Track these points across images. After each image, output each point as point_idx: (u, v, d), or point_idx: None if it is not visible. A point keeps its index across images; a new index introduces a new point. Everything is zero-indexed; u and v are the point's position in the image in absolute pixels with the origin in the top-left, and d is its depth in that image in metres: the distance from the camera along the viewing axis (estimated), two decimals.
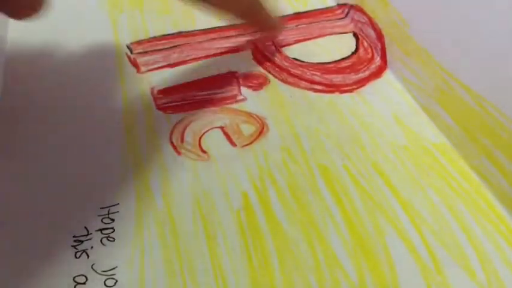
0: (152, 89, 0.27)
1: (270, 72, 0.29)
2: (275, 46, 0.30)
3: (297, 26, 0.32)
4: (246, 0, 0.27)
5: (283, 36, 0.31)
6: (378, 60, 0.29)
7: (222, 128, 0.25)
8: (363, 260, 0.20)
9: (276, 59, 0.30)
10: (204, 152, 0.24)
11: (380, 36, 0.30)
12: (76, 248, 0.20)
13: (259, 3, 0.27)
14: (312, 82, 0.28)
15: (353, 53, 0.30)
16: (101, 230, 0.21)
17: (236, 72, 0.29)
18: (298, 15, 0.33)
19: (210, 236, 0.21)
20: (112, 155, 0.24)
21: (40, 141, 0.24)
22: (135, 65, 0.29)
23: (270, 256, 0.20)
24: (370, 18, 0.31)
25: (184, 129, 0.25)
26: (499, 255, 0.20)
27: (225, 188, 0.22)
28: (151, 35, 0.31)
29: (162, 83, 0.28)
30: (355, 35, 0.31)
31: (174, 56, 0.30)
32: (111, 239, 0.20)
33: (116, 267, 0.20)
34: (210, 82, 0.28)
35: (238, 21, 0.27)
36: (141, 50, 0.30)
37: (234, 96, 0.27)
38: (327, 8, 0.34)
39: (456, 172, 0.23)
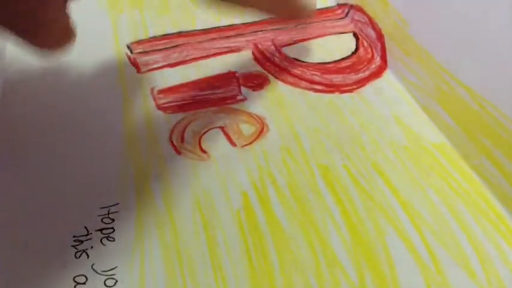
0: (152, 89, 0.27)
1: (270, 72, 0.29)
2: (275, 46, 0.30)
3: (296, 26, 0.32)
4: None
5: (283, 36, 0.31)
6: (377, 60, 0.29)
7: (222, 128, 0.25)
8: (363, 260, 0.20)
9: (276, 59, 0.30)
10: (204, 152, 0.24)
11: (380, 36, 0.30)
12: (76, 248, 0.20)
13: None
14: (312, 82, 0.28)
15: (353, 53, 0.30)
16: (101, 230, 0.21)
17: (236, 72, 0.29)
18: None
19: (210, 236, 0.21)
20: (112, 155, 0.24)
21: (40, 141, 0.24)
22: (135, 65, 0.29)
23: (270, 256, 0.20)
24: (370, 18, 0.31)
25: (184, 129, 0.25)
26: (499, 255, 0.20)
27: (225, 188, 0.22)
28: (151, 35, 0.31)
29: (162, 83, 0.28)
30: (355, 35, 0.31)
31: (174, 56, 0.30)
32: (111, 239, 0.20)
33: (116, 267, 0.20)
34: (210, 82, 0.28)
35: (265, 15, 0.25)
36: (141, 50, 0.30)
37: (234, 96, 0.27)
38: (327, 8, 0.34)
39: (456, 172, 0.23)
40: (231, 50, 0.30)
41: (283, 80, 0.28)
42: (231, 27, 0.32)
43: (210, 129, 0.25)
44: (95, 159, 0.24)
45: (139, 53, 0.30)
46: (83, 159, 0.24)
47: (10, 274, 0.19)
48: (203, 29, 0.32)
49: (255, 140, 0.25)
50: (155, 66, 0.29)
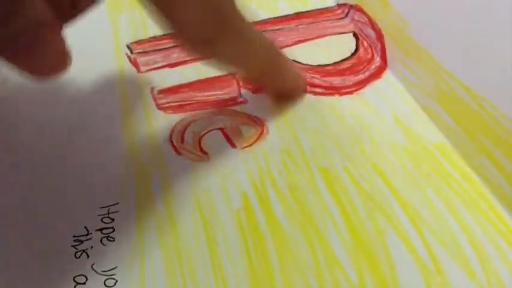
0: (152, 89, 0.27)
1: None
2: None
3: (296, 26, 0.32)
4: (268, 52, 0.22)
5: (283, 37, 0.31)
6: (377, 60, 0.29)
7: (222, 129, 0.25)
8: (363, 260, 0.20)
9: None
10: (204, 152, 0.24)
11: (380, 36, 0.30)
12: (76, 248, 0.20)
13: (284, 57, 0.23)
14: (312, 85, 0.28)
15: (353, 54, 0.30)
16: (100, 229, 0.21)
17: (236, 73, 0.29)
18: (298, 15, 0.33)
19: (210, 236, 0.21)
20: (112, 155, 0.24)
21: (40, 141, 0.24)
22: (135, 65, 0.29)
23: (270, 256, 0.20)
24: (370, 18, 0.31)
25: (185, 129, 0.25)
26: (499, 255, 0.20)
27: (225, 188, 0.22)
28: (151, 35, 0.31)
29: (162, 83, 0.28)
30: (355, 35, 0.31)
31: (174, 56, 0.30)
32: (111, 239, 0.20)
33: (116, 267, 0.20)
34: (210, 83, 0.28)
35: (253, 79, 0.24)
36: (141, 50, 0.30)
37: (234, 98, 0.27)
38: (327, 8, 0.34)
39: (456, 172, 0.23)
40: None
41: None
42: None
43: (210, 130, 0.25)
44: (95, 159, 0.24)
45: (139, 53, 0.30)
46: (83, 159, 0.24)
47: (10, 274, 0.19)
48: None
49: (255, 141, 0.25)
50: (155, 66, 0.29)
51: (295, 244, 0.20)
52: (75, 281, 0.19)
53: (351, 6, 0.32)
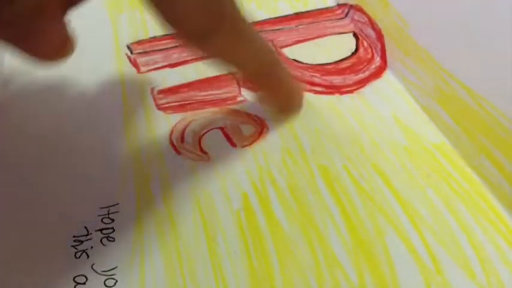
0: (152, 89, 0.27)
1: None
2: (275, 47, 0.30)
3: (296, 26, 0.32)
4: (266, 55, 0.22)
5: (283, 37, 0.31)
6: (377, 60, 0.29)
7: (222, 128, 0.25)
8: (363, 260, 0.20)
9: None
10: (204, 152, 0.24)
11: (380, 36, 0.30)
12: (76, 248, 0.20)
13: (282, 64, 0.23)
14: (312, 84, 0.28)
15: (353, 53, 0.30)
16: (101, 230, 0.21)
17: (236, 72, 0.29)
18: (298, 15, 0.33)
19: (210, 236, 0.21)
20: (112, 155, 0.24)
21: (40, 141, 0.24)
22: (135, 65, 0.29)
23: (270, 256, 0.20)
24: (370, 18, 0.31)
25: (184, 129, 0.25)
26: (499, 255, 0.20)
27: (225, 188, 0.22)
28: (151, 35, 0.31)
29: (162, 83, 0.28)
30: (355, 35, 0.31)
31: (174, 56, 0.30)
32: (111, 239, 0.20)
33: (116, 267, 0.20)
34: (210, 82, 0.28)
35: (250, 79, 0.24)
36: (141, 50, 0.30)
37: (234, 97, 0.27)
38: (327, 8, 0.34)
39: (456, 172, 0.23)
40: None
41: None
42: None
43: (210, 129, 0.25)
44: (95, 159, 0.24)
45: (140, 53, 0.30)
46: (83, 159, 0.24)
47: (10, 274, 0.19)
48: None
49: (255, 140, 0.25)
50: (155, 66, 0.29)
51: (295, 244, 0.20)
52: (75, 281, 0.19)
53: (351, 6, 0.32)
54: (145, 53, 0.30)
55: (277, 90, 0.24)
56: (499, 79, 0.21)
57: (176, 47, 0.30)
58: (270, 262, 0.20)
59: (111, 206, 0.22)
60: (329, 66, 0.29)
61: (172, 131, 0.25)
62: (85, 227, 0.21)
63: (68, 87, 0.27)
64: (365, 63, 0.29)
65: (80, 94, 0.27)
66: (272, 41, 0.31)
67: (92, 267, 0.19)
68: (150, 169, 0.23)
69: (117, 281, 0.19)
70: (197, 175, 0.23)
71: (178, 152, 0.24)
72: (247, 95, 0.27)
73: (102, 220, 0.21)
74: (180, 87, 0.28)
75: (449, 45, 0.24)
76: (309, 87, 0.28)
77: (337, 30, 0.32)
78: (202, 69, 0.29)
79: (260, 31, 0.31)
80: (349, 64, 0.29)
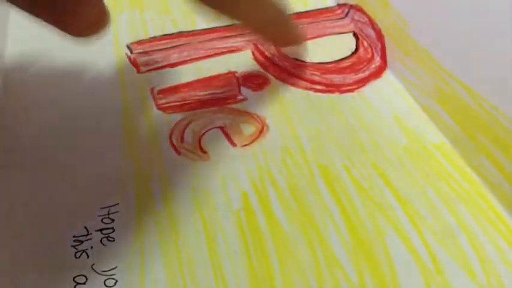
0: (152, 89, 0.27)
1: (270, 72, 0.29)
2: (275, 47, 0.30)
3: (297, 26, 0.32)
4: (270, 9, 0.22)
5: None
6: (377, 60, 0.29)
7: (222, 128, 0.25)
8: (363, 260, 0.20)
9: (276, 59, 0.30)
10: (204, 151, 0.24)
11: (380, 36, 0.30)
12: (76, 248, 0.20)
13: (284, 13, 0.23)
14: (312, 82, 0.28)
15: (353, 53, 0.30)
16: (101, 230, 0.21)
17: (236, 72, 0.29)
18: (298, 15, 0.33)
19: (210, 236, 0.21)
20: (112, 155, 0.24)
21: (40, 141, 0.24)
22: (135, 65, 0.29)
23: (270, 256, 0.20)
24: (370, 18, 0.31)
25: (184, 129, 0.25)
26: (499, 255, 0.20)
27: (225, 188, 0.22)
28: (151, 35, 0.31)
29: (162, 83, 0.28)
30: (355, 35, 0.31)
31: (174, 56, 0.30)
32: (111, 239, 0.20)
33: (116, 267, 0.20)
34: (210, 82, 0.28)
35: (257, 33, 0.24)
36: (141, 50, 0.30)
37: (234, 96, 0.27)
38: (327, 8, 0.34)
39: (456, 172, 0.23)
40: (231, 50, 0.30)
41: (283, 80, 0.28)
42: (231, 27, 0.32)
43: (210, 129, 0.25)
44: (95, 159, 0.24)
45: (139, 53, 0.30)
46: (83, 160, 0.24)
47: (10, 274, 0.19)
48: (203, 29, 0.32)
49: (255, 140, 0.25)
50: (155, 66, 0.29)
51: (295, 244, 0.20)
52: (75, 281, 0.19)
53: (351, 6, 0.32)
54: (145, 53, 0.30)
55: (282, 32, 0.24)
56: (499, 79, 0.21)
57: (176, 47, 0.30)
58: (270, 262, 0.20)
59: (111, 206, 0.22)
60: (329, 65, 0.29)
61: (172, 131, 0.25)
62: (85, 227, 0.21)
63: (68, 87, 0.27)
64: (365, 63, 0.29)
65: (79, 94, 0.27)
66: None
67: (92, 267, 0.19)
68: (150, 169, 0.23)
69: (117, 281, 0.19)
70: (197, 175, 0.23)
71: (178, 152, 0.24)
72: (247, 94, 0.27)
73: (102, 220, 0.21)
74: (180, 87, 0.28)
75: (449, 45, 0.24)
76: (309, 85, 0.28)
77: (337, 30, 0.32)
78: (202, 69, 0.29)
79: None
80: (350, 63, 0.29)
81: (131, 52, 0.30)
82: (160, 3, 0.34)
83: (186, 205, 0.22)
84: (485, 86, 0.22)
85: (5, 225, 0.21)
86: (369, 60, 0.30)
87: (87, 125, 0.25)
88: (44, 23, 0.17)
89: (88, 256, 0.20)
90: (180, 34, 0.31)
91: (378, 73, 0.29)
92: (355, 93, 0.27)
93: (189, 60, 0.29)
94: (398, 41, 0.28)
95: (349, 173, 0.23)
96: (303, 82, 0.28)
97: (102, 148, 0.24)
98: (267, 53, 0.30)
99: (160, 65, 0.29)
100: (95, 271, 0.19)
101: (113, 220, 0.21)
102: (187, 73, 0.29)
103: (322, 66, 0.29)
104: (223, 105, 0.27)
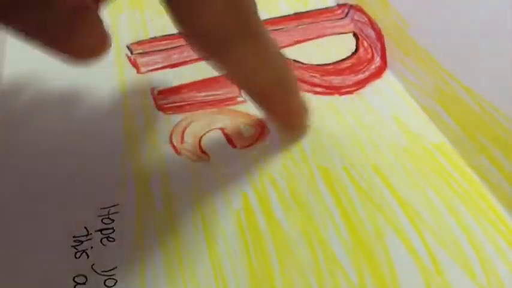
0: (152, 89, 0.27)
1: None
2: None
3: (296, 26, 0.32)
4: (281, 62, 0.21)
5: (283, 37, 0.31)
6: (377, 60, 0.29)
7: (222, 129, 0.25)
8: (363, 260, 0.20)
9: None
10: (204, 152, 0.24)
11: (380, 36, 0.30)
12: (76, 248, 0.20)
13: (295, 76, 0.22)
14: (312, 84, 0.28)
15: (353, 53, 0.30)
16: (101, 230, 0.21)
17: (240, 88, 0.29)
18: (298, 15, 0.33)
19: (210, 236, 0.21)
20: (112, 155, 0.24)
21: (40, 141, 0.24)
22: (135, 65, 0.29)
23: (270, 256, 0.20)
24: (370, 18, 0.31)
25: (184, 129, 0.25)
26: (499, 255, 0.20)
27: (224, 188, 0.22)
28: (152, 35, 0.31)
29: (162, 83, 0.28)
30: (355, 35, 0.31)
31: (174, 57, 0.30)
32: (111, 239, 0.20)
33: (116, 267, 0.20)
34: (210, 83, 0.28)
35: (258, 94, 0.22)
36: (141, 51, 0.30)
37: (235, 98, 0.27)
38: (326, 8, 0.34)
39: (456, 172, 0.23)
40: None
41: None
42: None
43: (210, 130, 0.25)
44: (95, 159, 0.24)
45: (140, 53, 0.30)
46: (83, 160, 0.24)
47: (10, 274, 0.19)
48: None
49: (255, 141, 0.25)
50: (155, 66, 0.29)
51: (295, 244, 0.20)
52: (75, 281, 0.19)
53: (351, 6, 0.32)
54: (145, 53, 0.30)
55: (287, 102, 0.23)
56: (499, 79, 0.21)
57: (176, 47, 0.30)
58: (270, 262, 0.20)
59: (111, 206, 0.22)
60: (329, 67, 0.29)
61: (172, 132, 0.25)
62: (85, 227, 0.21)
63: (67, 88, 0.27)
64: (365, 64, 0.29)
65: (79, 95, 0.27)
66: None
67: (92, 267, 0.20)
68: (150, 169, 0.23)
69: (117, 281, 0.19)
70: (197, 175, 0.23)
71: (178, 153, 0.24)
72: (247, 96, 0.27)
73: (102, 220, 0.21)
74: (180, 87, 0.28)
75: (449, 45, 0.24)
76: (308, 87, 0.28)
77: (337, 30, 0.32)
78: (202, 70, 0.29)
79: None
80: (349, 64, 0.29)
81: (131, 52, 0.30)
82: (160, 3, 0.34)
83: (186, 205, 0.22)
84: (485, 86, 0.22)
85: (4, 226, 0.21)
86: (368, 60, 0.30)
87: (87, 125, 0.25)
88: (42, 48, 0.17)
89: (88, 256, 0.20)
90: (180, 34, 0.31)
91: (377, 73, 0.29)
92: (354, 95, 0.27)
93: (190, 60, 0.29)
94: (398, 41, 0.28)
95: (349, 173, 0.23)
96: (303, 84, 0.28)
97: (102, 148, 0.24)
98: None
99: (160, 65, 0.29)
100: (95, 271, 0.19)
101: (113, 220, 0.21)
102: (187, 74, 0.29)
103: (322, 68, 0.29)
104: (224, 107, 0.27)
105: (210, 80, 0.28)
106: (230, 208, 0.22)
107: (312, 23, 0.32)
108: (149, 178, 0.23)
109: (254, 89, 0.21)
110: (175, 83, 0.28)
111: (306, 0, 0.34)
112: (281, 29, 0.32)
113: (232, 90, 0.27)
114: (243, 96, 0.27)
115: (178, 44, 0.30)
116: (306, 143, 0.25)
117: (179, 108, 0.26)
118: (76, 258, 0.20)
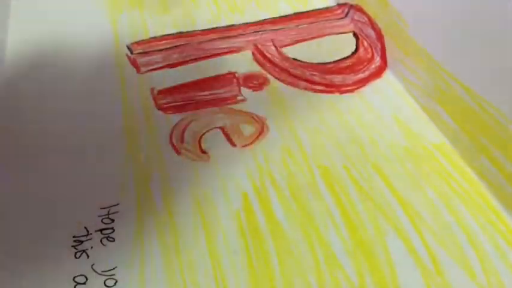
0: (152, 89, 0.27)
1: (270, 72, 0.29)
2: (275, 46, 0.30)
3: (297, 26, 0.32)
4: None
5: (283, 37, 0.31)
6: (377, 60, 0.29)
7: (222, 128, 0.25)
8: (363, 260, 0.20)
9: (276, 59, 0.30)
10: (203, 152, 0.24)
11: (380, 36, 0.30)
12: (76, 248, 0.20)
13: None
14: (312, 82, 0.28)
15: (353, 53, 0.30)
16: (100, 230, 0.21)
17: (236, 72, 0.29)
18: (298, 15, 0.33)
19: (210, 236, 0.21)
20: (112, 155, 0.24)
21: (40, 141, 0.24)
22: (135, 65, 0.29)
23: (270, 256, 0.20)
24: (370, 18, 0.31)
25: (184, 129, 0.25)
26: (499, 255, 0.20)
27: (224, 188, 0.22)
28: (151, 35, 0.31)
29: (162, 83, 0.28)
30: (355, 35, 0.31)
31: (174, 57, 0.30)
32: (111, 239, 0.20)
33: (116, 267, 0.20)
34: (210, 82, 0.28)
35: None
36: (141, 51, 0.30)
37: (234, 97, 0.27)
38: (327, 8, 0.34)
39: (456, 172, 0.23)
40: (231, 50, 0.30)
41: (283, 81, 0.28)
42: (231, 27, 0.32)
43: (210, 129, 0.25)
44: (95, 159, 0.24)
45: (139, 53, 0.30)
46: (83, 160, 0.24)
47: (10, 274, 0.19)
48: (203, 29, 0.32)
49: (255, 140, 0.25)
50: (155, 66, 0.29)
51: (295, 244, 0.20)
52: (75, 281, 0.19)
53: (351, 6, 0.32)
54: (145, 53, 0.30)
55: None
56: (499, 79, 0.21)
57: (176, 47, 0.30)
58: (270, 262, 0.20)
59: (111, 206, 0.22)
60: (329, 65, 0.29)
61: (172, 131, 0.25)
62: (85, 227, 0.21)
63: (68, 87, 0.27)
64: (365, 63, 0.29)
65: (79, 94, 0.27)
66: (272, 40, 0.31)
67: (92, 267, 0.19)
68: (150, 169, 0.23)
69: (117, 281, 0.19)
70: (197, 175, 0.23)
71: (178, 152, 0.24)
72: (247, 94, 0.27)
73: (102, 220, 0.21)
74: (180, 87, 0.28)
75: (449, 45, 0.24)
76: (309, 85, 0.28)
77: (337, 30, 0.32)
78: (202, 69, 0.29)
79: (261, 30, 0.32)
80: (350, 63, 0.29)
81: (131, 52, 0.30)
82: (160, 3, 0.34)
83: (186, 205, 0.22)
84: (485, 86, 0.22)
85: (5, 226, 0.21)
86: (369, 60, 0.30)
87: (87, 125, 0.25)
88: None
89: (88, 256, 0.20)
90: (180, 34, 0.31)
91: (378, 73, 0.29)
92: (355, 94, 0.27)
93: (189, 60, 0.29)
94: (398, 41, 0.28)
95: (349, 173, 0.23)
96: (303, 82, 0.28)
97: (102, 148, 0.24)
98: (267, 53, 0.30)
99: (160, 65, 0.29)
100: (95, 271, 0.19)
101: (113, 220, 0.21)
102: (187, 73, 0.28)
103: (322, 67, 0.29)
104: (223, 106, 0.27)
105: (210, 79, 0.28)
106: (230, 208, 0.22)
107: (312, 22, 0.32)
108: (149, 178, 0.23)
109: None
110: (175, 82, 0.28)
111: (306, 0, 0.34)
112: (281, 28, 0.32)
113: (232, 89, 0.27)
114: (243, 95, 0.27)
115: (178, 44, 0.30)
116: (306, 141, 0.25)
117: (179, 108, 0.26)
118: (76, 258, 0.20)
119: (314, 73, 0.29)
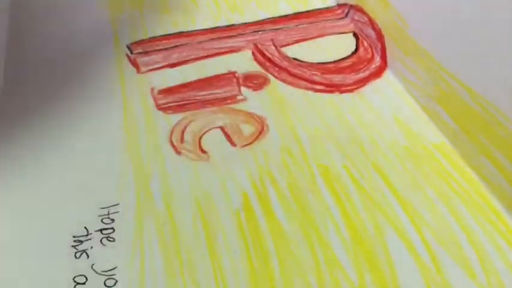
0: (152, 89, 0.27)
1: (270, 72, 0.29)
2: (275, 46, 0.30)
3: (297, 26, 0.32)
4: None
5: (283, 36, 0.31)
6: (377, 60, 0.29)
7: (222, 128, 0.25)
8: (363, 260, 0.20)
9: (276, 59, 0.30)
10: (203, 152, 0.24)
11: (380, 36, 0.30)
12: (76, 248, 0.20)
13: None
14: (312, 82, 0.28)
15: (353, 53, 0.30)
16: (101, 230, 0.21)
17: (236, 72, 0.29)
18: (298, 15, 0.33)
19: (210, 236, 0.21)
20: (112, 155, 0.24)
21: (40, 142, 0.24)
22: (135, 65, 0.29)
23: (270, 256, 0.20)
24: (370, 18, 0.31)
25: (184, 129, 0.25)
26: (499, 255, 0.20)
27: (225, 188, 0.22)
28: (151, 35, 0.31)
29: (162, 83, 0.28)
30: (355, 35, 0.31)
31: (174, 56, 0.30)
32: (111, 239, 0.20)
33: (116, 267, 0.20)
34: (210, 82, 0.28)
35: None
36: (141, 50, 0.30)
37: (234, 96, 0.27)
38: (327, 8, 0.34)
39: (456, 172, 0.23)
40: (231, 50, 0.30)
41: (283, 80, 0.28)
42: (231, 27, 0.32)
43: (210, 129, 0.25)
44: (95, 159, 0.24)
45: (139, 53, 0.30)
46: (83, 159, 0.24)
47: (10, 274, 0.19)
48: (203, 29, 0.32)
49: (255, 140, 0.25)
50: (155, 66, 0.29)
51: (295, 244, 0.20)
52: (75, 281, 0.19)
53: (351, 6, 0.32)
54: (145, 53, 0.30)
55: None
56: (499, 79, 0.21)
57: (176, 47, 0.30)
58: (270, 262, 0.20)
59: (111, 206, 0.22)
60: (329, 65, 0.29)
61: (172, 131, 0.25)
62: (85, 227, 0.21)
63: (68, 87, 0.27)
64: (365, 63, 0.29)
65: (80, 94, 0.27)
66: (272, 40, 0.31)
67: (92, 267, 0.19)
68: (150, 169, 0.23)
69: (117, 281, 0.19)
70: (197, 175, 0.23)
71: (178, 152, 0.24)
72: (247, 94, 0.27)
73: (102, 220, 0.21)
74: (180, 87, 0.28)
75: (449, 45, 0.24)
76: (309, 85, 0.28)
77: (337, 30, 0.32)
78: (202, 69, 0.29)
79: (261, 30, 0.32)
80: (350, 63, 0.29)
81: (131, 52, 0.30)
82: (160, 3, 0.34)
83: (186, 205, 0.22)
84: (485, 86, 0.22)
85: (5, 226, 0.21)
86: (369, 60, 0.30)
87: (87, 125, 0.25)
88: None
89: (88, 256, 0.20)
90: (180, 34, 0.31)
91: (378, 73, 0.29)
92: (355, 93, 0.27)
93: (189, 60, 0.29)
94: (398, 41, 0.28)
95: (349, 172, 0.23)
96: (303, 82, 0.28)
97: (102, 148, 0.24)
98: (267, 53, 0.30)
99: (160, 65, 0.29)
100: (95, 271, 0.19)
101: (113, 220, 0.21)
102: (187, 73, 0.29)
103: (322, 66, 0.29)
104: (223, 105, 0.27)
105: (210, 79, 0.28)
106: (230, 208, 0.22)
107: (312, 22, 0.32)
108: (149, 178, 0.23)
109: None
110: (175, 82, 0.28)
111: (306, 0, 0.34)
112: (281, 28, 0.32)
113: (232, 89, 0.27)
114: (243, 94, 0.27)
115: (178, 44, 0.30)
116: (306, 141, 0.25)
117: (179, 108, 0.26)
118: (76, 258, 0.20)
119: (314, 73, 0.29)
